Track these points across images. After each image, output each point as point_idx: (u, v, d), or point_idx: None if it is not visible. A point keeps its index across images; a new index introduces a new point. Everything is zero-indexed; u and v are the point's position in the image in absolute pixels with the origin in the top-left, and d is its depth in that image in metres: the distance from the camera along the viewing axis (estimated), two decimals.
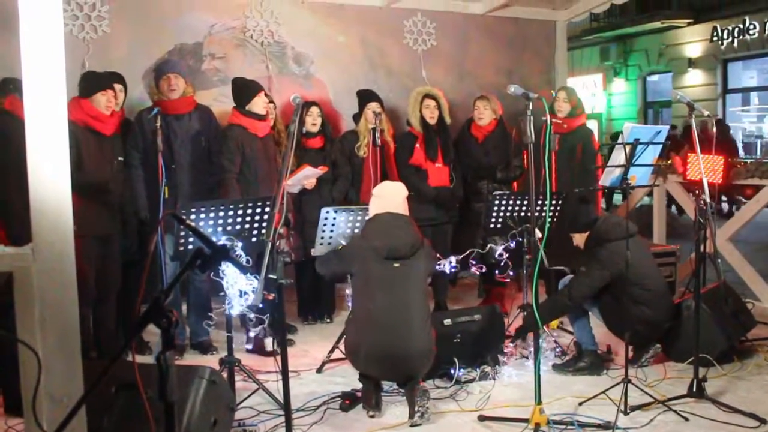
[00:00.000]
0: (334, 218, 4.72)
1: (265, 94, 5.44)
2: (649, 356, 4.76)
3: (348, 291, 4.64)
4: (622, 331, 4.33)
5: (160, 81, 5.15)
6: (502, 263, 5.09)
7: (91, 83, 4.75)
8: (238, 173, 5.18)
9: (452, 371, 4.47)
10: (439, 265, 4.76)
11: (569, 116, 6.07)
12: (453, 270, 5.06)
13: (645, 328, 4.66)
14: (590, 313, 4.79)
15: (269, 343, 4.99)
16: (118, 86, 5.08)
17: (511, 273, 5.18)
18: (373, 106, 5.86)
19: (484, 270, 5.17)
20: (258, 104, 5.26)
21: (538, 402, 3.67)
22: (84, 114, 4.63)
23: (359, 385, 4.19)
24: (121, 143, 4.97)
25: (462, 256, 5.11)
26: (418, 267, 4.16)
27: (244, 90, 5.32)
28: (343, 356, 4.88)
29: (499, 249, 5.08)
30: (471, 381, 4.48)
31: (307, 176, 5.42)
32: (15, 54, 4.14)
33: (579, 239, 4.88)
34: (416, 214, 5.55)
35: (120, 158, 4.90)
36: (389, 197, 4.31)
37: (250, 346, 5.14)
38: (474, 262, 5.09)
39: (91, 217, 4.59)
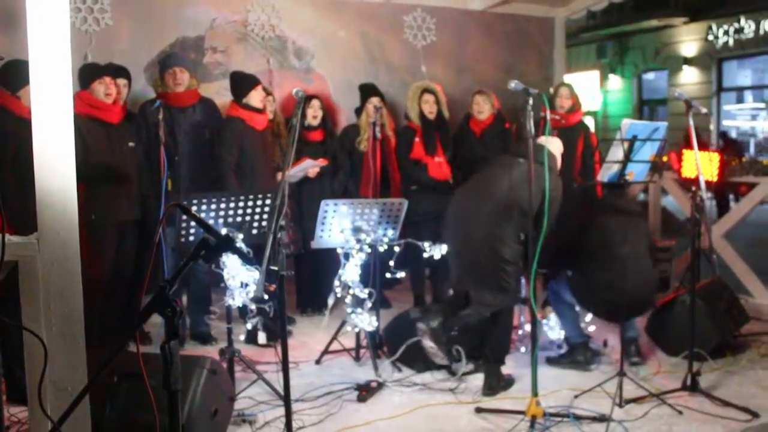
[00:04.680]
0: (335, 211, 4.74)
1: (263, 88, 5.46)
2: (634, 348, 4.77)
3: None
4: (591, 301, 4.34)
5: (165, 74, 5.17)
6: None
7: (83, 74, 4.77)
8: (236, 165, 5.20)
9: (451, 364, 4.52)
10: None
11: (568, 112, 6.10)
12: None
13: (616, 296, 4.21)
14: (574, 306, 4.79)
15: (262, 338, 5.02)
16: (122, 81, 5.08)
17: None
18: (374, 101, 5.87)
19: None
20: (254, 98, 5.27)
21: (535, 394, 3.72)
22: (86, 105, 4.64)
23: (362, 378, 4.23)
24: (129, 130, 4.94)
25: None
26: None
27: (241, 84, 5.34)
28: (342, 348, 4.94)
29: None
30: (469, 373, 4.53)
31: (306, 169, 5.45)
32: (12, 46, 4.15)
33: None
34: (417, 207, 5.60)
35: (131, 143, 4.86)
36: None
37: (243, 336, 5.17)
38: None
39: (110, 205, 4.62)
